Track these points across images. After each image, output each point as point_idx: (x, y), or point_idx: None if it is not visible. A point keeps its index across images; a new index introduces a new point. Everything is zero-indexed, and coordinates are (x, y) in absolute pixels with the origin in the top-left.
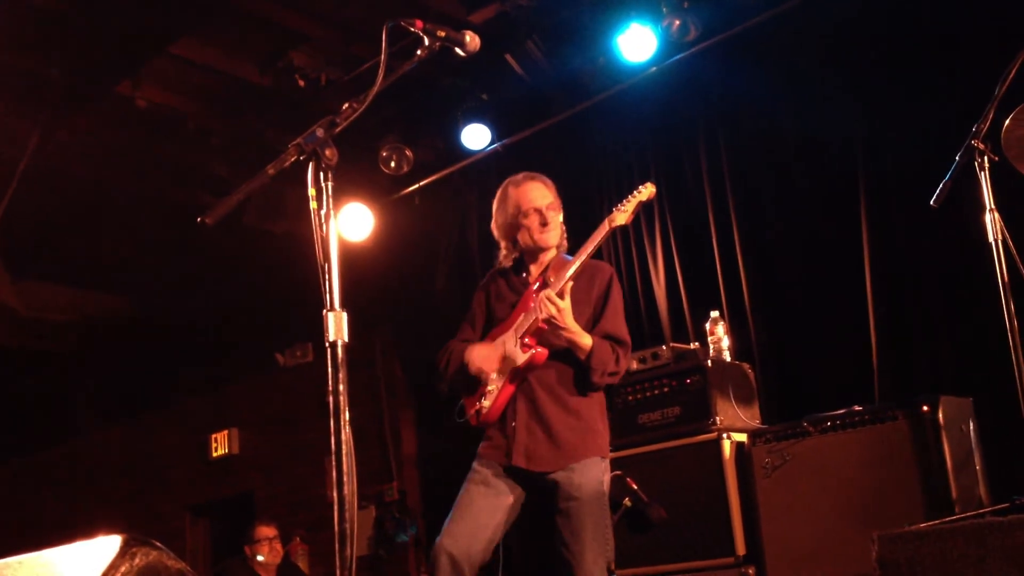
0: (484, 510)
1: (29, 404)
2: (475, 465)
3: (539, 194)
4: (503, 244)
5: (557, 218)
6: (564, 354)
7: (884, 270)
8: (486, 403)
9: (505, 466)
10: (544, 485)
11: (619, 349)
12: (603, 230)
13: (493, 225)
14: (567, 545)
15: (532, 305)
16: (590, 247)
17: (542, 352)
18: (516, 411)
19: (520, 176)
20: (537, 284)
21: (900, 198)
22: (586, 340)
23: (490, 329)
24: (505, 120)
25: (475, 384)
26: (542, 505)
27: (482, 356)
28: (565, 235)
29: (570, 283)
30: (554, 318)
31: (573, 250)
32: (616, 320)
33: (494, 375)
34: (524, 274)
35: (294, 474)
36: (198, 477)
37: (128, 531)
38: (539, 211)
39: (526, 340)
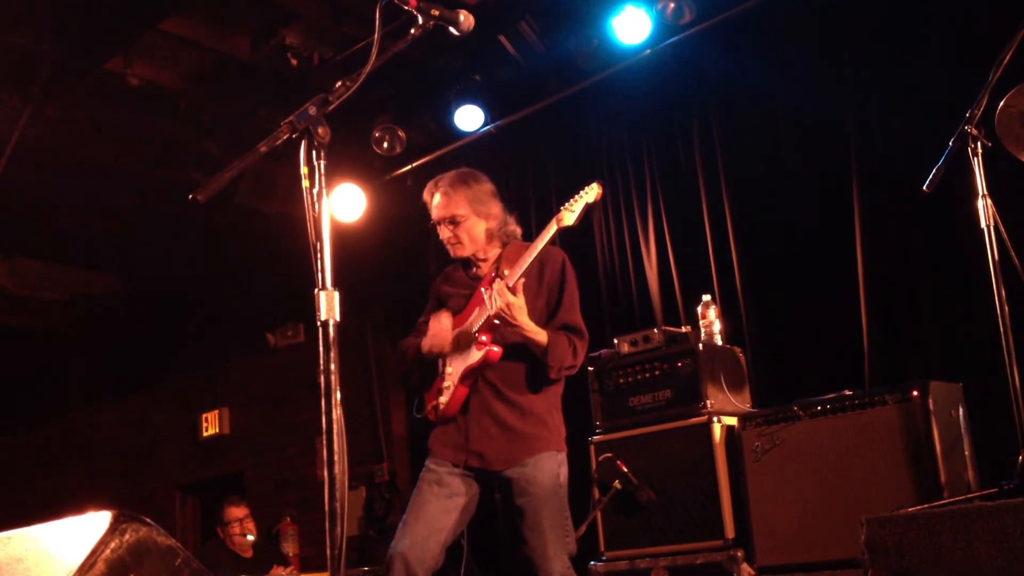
0: (438, 512)
1: (20, 382)
2: (428, 463)
3: (439, 206)
4: None
5: (469, 226)
6: (519, 348)
7: (875, 255)
8: (443, 399)
9: (459, 465)
10: (500, 482)
11: (576, 341)
12: (550, 230)
13: None
14: (527, 541)
15: (485, 299)
16: (538, 246)
17: (497, 351)
18: (469, 408)
19: (432, 182)
20: (494, 275)
21: (893, 183)
22: (541, 336)
23: None
24: (499, 102)
25: (432, 378)
26: (500, 503)
27: (434, 337)
28: (509, 224)
29: (523, 280)
30: (503, 312)
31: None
32: (572, 310)
33: (450, 369)
34: (474, 269)
35: (284, 454)
36: (188, 457)
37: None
38: (442, 225)
39: (481, 337)
